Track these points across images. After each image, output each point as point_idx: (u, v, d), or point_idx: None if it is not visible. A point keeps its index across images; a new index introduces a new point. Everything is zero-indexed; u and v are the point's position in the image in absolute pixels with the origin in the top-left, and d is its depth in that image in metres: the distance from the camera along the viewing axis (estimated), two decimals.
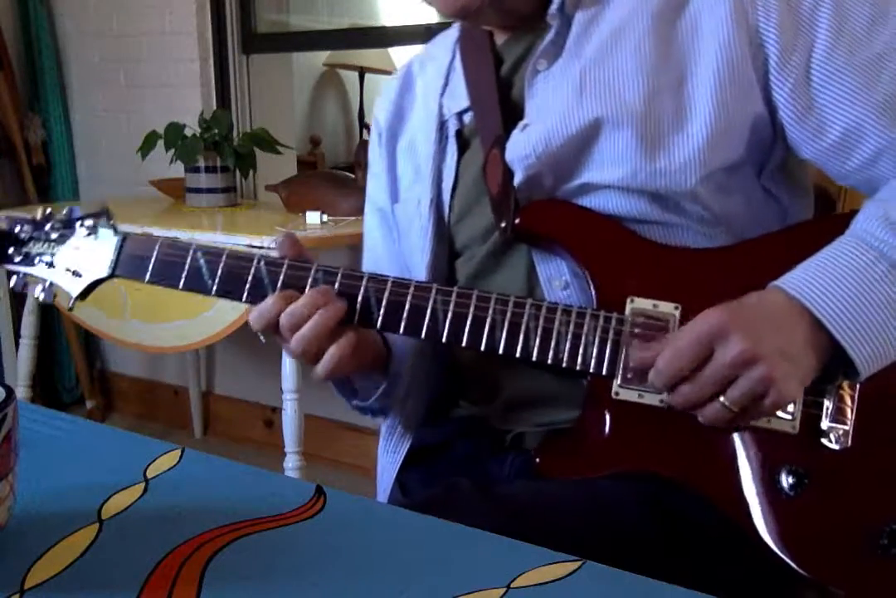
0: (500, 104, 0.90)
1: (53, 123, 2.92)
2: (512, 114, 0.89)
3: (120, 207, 2.60)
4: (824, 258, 0.75)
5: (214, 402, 2.96)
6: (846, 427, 0.75)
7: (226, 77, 2.72)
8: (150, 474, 0.72)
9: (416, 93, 1.02)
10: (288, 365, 2.01)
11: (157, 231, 2.11)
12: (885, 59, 0.78)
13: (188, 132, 2.37)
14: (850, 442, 0.75)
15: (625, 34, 0.84)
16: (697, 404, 0.72)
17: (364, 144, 1.09)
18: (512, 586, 0.56)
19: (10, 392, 0.59)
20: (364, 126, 3.75)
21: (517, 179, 0.86)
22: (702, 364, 0.70)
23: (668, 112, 0.82)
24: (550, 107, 0.85)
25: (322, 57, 3.73)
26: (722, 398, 0.70)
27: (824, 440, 0.75)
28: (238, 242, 1.98)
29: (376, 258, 1.07)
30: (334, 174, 2.45)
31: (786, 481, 0.75)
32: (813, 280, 0.72)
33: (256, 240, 1.95)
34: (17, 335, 2.57)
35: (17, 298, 2.76)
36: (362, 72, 3.74)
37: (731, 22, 0.80)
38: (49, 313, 2.75)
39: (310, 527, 0.64)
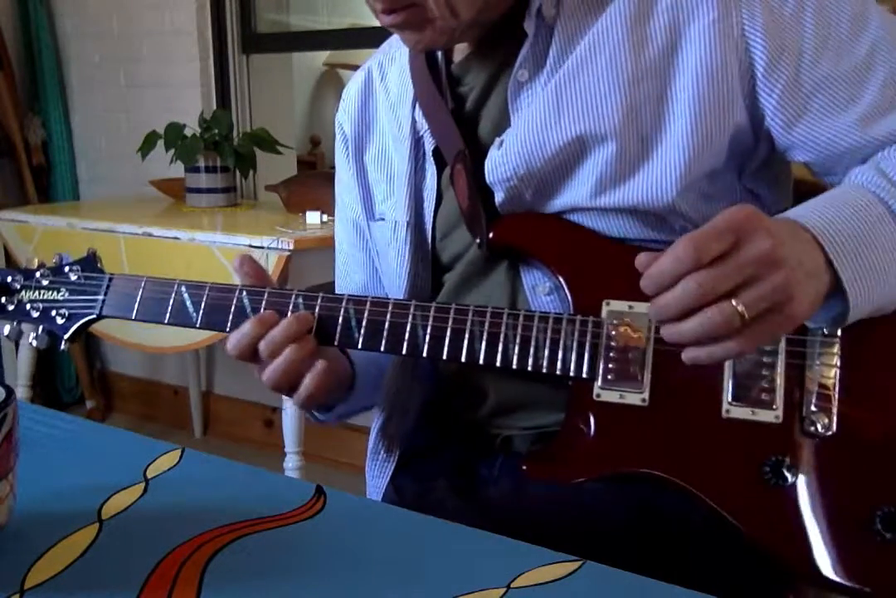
0: (453, 117, 0.88)
1: (53, 123, 2.92)
2: (475, 144, 0.88)
3: (120, 207, 2.60)
4: (826, 198, 0.74)
5: (214, 402, 2.96)
6: (830, 413, 0.75)
7: (226, 77, 2.72)
8: (150, 474, 0.72)
9: (378, 100, 1.00)
10: None
11: (157, 231, 2.11)
12: (869, 66, 0.78)
13: (188, 132, 2.37)
14: (834, 428, 0.75)
15: (600, 43, 0.82)
16: (707, 299, 0.60)
17: None
18: (512, 586, 0.56)
19: (10, 392, 0.59)
20: None
21: (498, 199, 0.86)
22: (724, 255, 0.61)
23: (647, 125, 0.81)
24: (527, 124, 0.84)
25: (322, 57, 3.73)
26: (734, 301, 0.60)
27: (809, 428, 0.75)
28: (238, 242, 1.98)
29: (347, 272, 1.06)
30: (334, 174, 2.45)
31: (774, 471, 0.75)
32: (821, 217, 0.70)
33: (256, 240, 1.95)
34: None
35: None
36: None
37: (716, 26, 0.78)
38: None
39: (310, 527, 0.64)
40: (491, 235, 0.85)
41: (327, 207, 2.15)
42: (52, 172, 2.97)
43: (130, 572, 0.57)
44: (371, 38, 2.87)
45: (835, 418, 0.75)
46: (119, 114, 2.87)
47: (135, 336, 2.23)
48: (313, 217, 2.12)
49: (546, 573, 0.58)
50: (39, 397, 2.85)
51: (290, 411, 2.03)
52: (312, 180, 2.33)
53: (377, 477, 0.99)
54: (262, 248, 1.93)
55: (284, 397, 2.01)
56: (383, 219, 0.98)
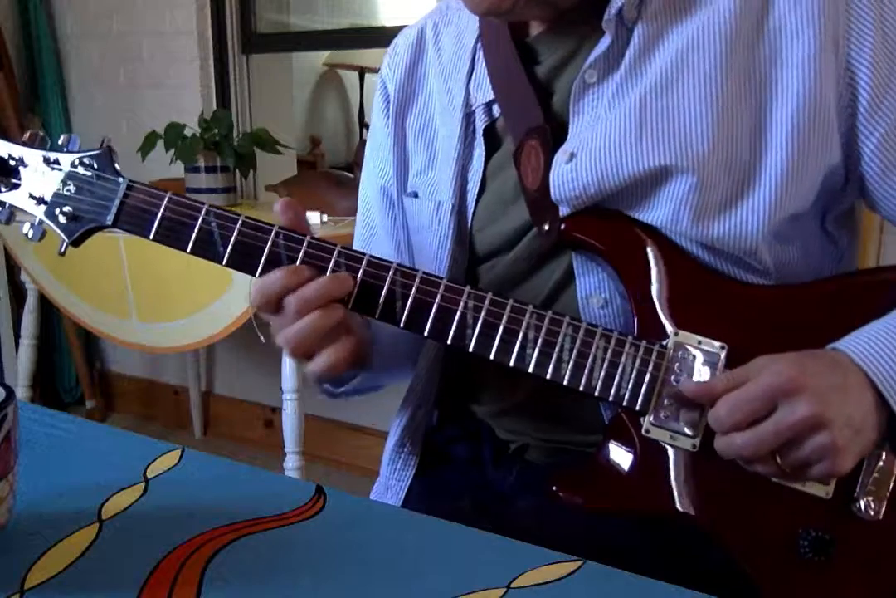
0: (539, 102, 0.80)
1: (53, 123, 2.92)
2: (551, 121, 0.80)
3: None
4: (891, 327, 0.71)
5: (214, 402, 2.96)
6: (882, 498, 0.72)
7: (226, 77, 2.72)
8: (150, 474, 0.72)
9: (428, 63, 0.91)
10: (288, 365, 2.01)
11: None
12: None
13: (188, 132, 2.37)
14: (881, 514, 0.72)
15: (693, 57, 0.74)
16: (752, 458, 0.67)
17: (364, 144, 1.02)
18: (512, 586, 0.56)
19: (10, 392, 0.59)
20: (364, 126, 3.75)
21: (562, 213, 0.78)
22: (761, 419, 0.66)
23: (739, 160, 0.74)
24: (603, 137, 0.76)
25: (322, 57, 3.73)
26: (777, 458, 0.66)
27: (857, 509, 0.72)
28: None
29: (371, 236, 0.97)
30: (334, 174, 2.45)
31: (811, 544, 0.72)
32: (881, 352, 0.69)
33: None
34: (17, 335, 2.57)
35: (18, 298, 2.76)
36: (362, 72, 3.73)
37: (820, 52, 0.71)
38: (49, 313, 2.75)
39: (310, 527, 0.64)
40: (564, 226, 0.77)
41: (327, 207, 2.15)
42: None
43: (130, 572, 0.57)
44: (371, 38, 2.88)
45: (885, 505, 0.72)
46: (119, 114, 2.87)
47: (135, 336, 2.23)
48: (313, 217, 2.12)
49: (546, 573, 0.58)
50: (39, 397, 2.85)
51: (290, 411, 2.02)
52: (312, 180, 2.33)
53: (395, 479, 0.94)
54: None
55: (285, 397, 2.01)
56: (417, 195, 0.91)
